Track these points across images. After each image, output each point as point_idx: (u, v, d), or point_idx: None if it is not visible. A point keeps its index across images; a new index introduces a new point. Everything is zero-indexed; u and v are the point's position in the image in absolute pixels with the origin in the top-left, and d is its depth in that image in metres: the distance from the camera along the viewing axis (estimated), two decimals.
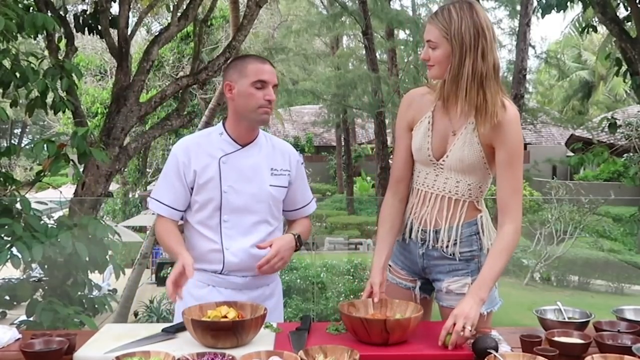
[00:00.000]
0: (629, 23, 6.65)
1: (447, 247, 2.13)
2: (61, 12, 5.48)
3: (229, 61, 2.35)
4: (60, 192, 5.06)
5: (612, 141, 14.19)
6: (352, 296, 7.65)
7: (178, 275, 2.01)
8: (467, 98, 1.99)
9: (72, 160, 3.85)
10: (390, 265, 2.26)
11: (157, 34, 6.02)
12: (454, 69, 1.99)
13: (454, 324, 1.84)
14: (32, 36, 4.32)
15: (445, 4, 2.03)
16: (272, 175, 2.26)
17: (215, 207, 2.19)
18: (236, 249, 2.20)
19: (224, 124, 2.28)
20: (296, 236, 2.28)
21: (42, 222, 3.82)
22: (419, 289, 2.23)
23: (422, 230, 2.15)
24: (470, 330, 1.84)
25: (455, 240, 2.12)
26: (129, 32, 5.59)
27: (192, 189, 2.22)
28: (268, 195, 2.24)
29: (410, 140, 2.17)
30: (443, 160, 2.10)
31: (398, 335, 1.83)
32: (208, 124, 10.54)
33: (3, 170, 4.59)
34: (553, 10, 6.91)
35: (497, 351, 1.72)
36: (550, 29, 64.44)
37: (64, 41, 5.39)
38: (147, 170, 21.14)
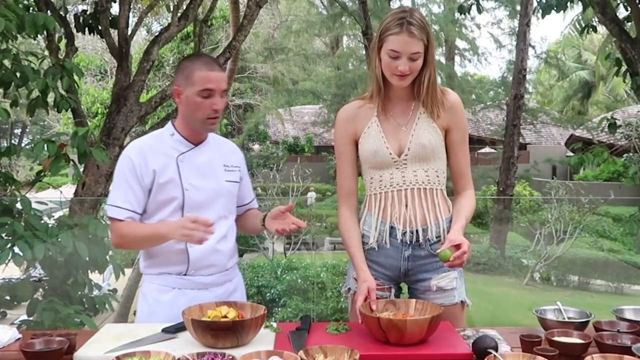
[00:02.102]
0: (629, 23, 6.65)
1: (434, 243, 2.16)
2: (61, 12, 5.48)
3: (179, 62, 2.30)
4: (61, 192, 5.05)
5: (612, 141, 14.22)
6: None
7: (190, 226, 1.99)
8: (429, 92, 2.14)
9: (73, 160, 3.85)
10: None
11: (157, 34, 6.02)
12: (432, 73, 2.13)
13: (456, 247, 1.97)
14: (32, 36, 4.32)
15: (405, 13, 2.08)
16: (226, 171, 2.29)
17: (178, 205, 2.17)
18: (200, 246, 2.15)
19: (173, 124, 2.28)
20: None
21: (42, 222, 3.82)
22: (394, 297, 2.24)
23: (409, 231, 2.17)
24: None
25: (442, 235, 2.17)
26: (129, 32, 5.60)
27: (149, 190, 2.18)
28: (225, 191, 2.27)
29: (353, 153, 2.25)
30: (405, 155, 2.17)
31: (395, 335, 1.82)
32: None
33: (3, 170, 4.59)
34: (553, 11, 6.91)
35: (497, 351, 1.72)
36: (550, 29, 64.56)
37: (64, 41, 5.39)
38: None
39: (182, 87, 2.18)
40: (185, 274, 2.20)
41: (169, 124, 2.30)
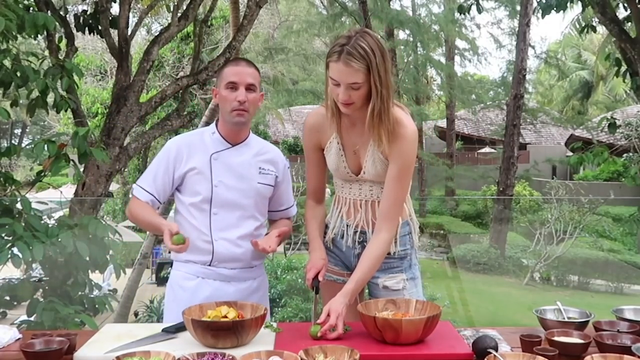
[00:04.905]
0: (629, 23, 6.65)
1: None
2: (61, 12, 5.48)
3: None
4: (61, 192, 5.05)
5: (611, 141, 14.23)
6: None
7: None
8: (375, 123, 2.06)
9: (73, 161, 3.85)
10: None
11: (157, 34, 6.02)
12: (377, 103, 2.03)
13: (327, 318, 1.96)
14: (32, 36, 4.32)
15: (348, 39, 1.98)
16: (260, 173, 2.34)
17: (206, 200, 2.27)
18: (225, 241, 2.26)
19: (216, 123, 2.38)
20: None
21: (42, 222, 3.82)
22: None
23: (360, 232, 2.26)
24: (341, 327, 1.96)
25: (395, 239, 2.23)
26: (129, 32, 5.60)
27: (182, 180, 2.29)
28: (256, 192, 2.32)
29: (319, 158, 2.29)
30: (362, 175, 2.21)
31: (391, 335, 1.83)
32: (208, 124, 10.54)
33: (3, 170, 4.59)
34: (553, 11, 6.91)
35: (497, 351, 1.72)
36: (550, 29, 64.42)
37: (64, 41, 5.39)
38: None
39: (217, 87, 2.31)
40: (209, 265, 2.28)
41: (213, 123, 2.41)
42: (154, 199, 2.30)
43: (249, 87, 2.25)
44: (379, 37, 2.06)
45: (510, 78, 13.94)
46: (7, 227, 3.58)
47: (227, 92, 2.24)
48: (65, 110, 4.48)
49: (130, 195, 2.36)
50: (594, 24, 8.05)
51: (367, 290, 2.37)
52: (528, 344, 1.81)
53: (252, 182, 2.31)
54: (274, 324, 2.03)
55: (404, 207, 2.25)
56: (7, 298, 4.12)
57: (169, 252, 2.27)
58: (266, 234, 2.35)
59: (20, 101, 4.44)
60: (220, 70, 2.35)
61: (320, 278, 2.14)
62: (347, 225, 2.28)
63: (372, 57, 1.98)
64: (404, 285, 2.26)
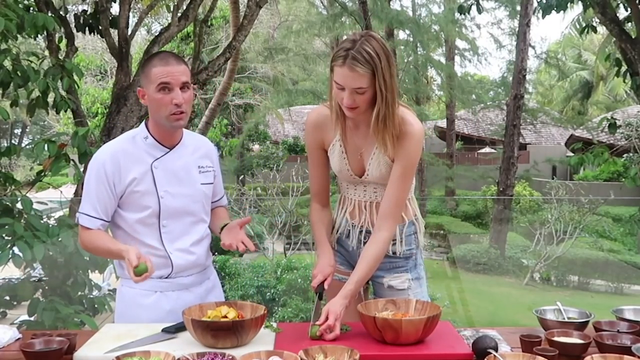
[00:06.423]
0: (629, 23, 6.65)
1: (391, 245, 2.22)
2: (61, 12, 5.49)
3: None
4: (61, 192, 5.05)
5: (612, 141, 14.23)
6: None
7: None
8: (379, 127, 2.05)
9: (73, 160, 3.85)
10: None
11: (157, 34, 6.03)
12: (382, 108, 2.01)
13: (326, 318, 1.94)
14: (32, 36, 4.32)
15: (354, 43, 1.97)
16: (200, 173, 2.23)
17: (153, 213, 2.13)
18: (179, 251, 2.17)
19: (147, 126, 2.18)
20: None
21: (43, 221, 3.82)
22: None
23: (365, 232, 2.25)
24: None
25: (400, 239, 2.24)
26: (129, 32, 5.60)
27: (122, 195, 2.12)
28: (201, 195, 2.22)
29: (322, 157, 2.27)
30: (366, 177, 2.21)
31: (391, 335, 1.83)
32: (208, 124, 10.56)
33: (3, 170, 4.59)
34: (553, 11, 6.91)
35: (497, 351, 1.72)
36: (550, 29, 64.44)
37: (64, 41, 5.40)
38: None
39: (144, 87, 2.12)
40: (167, 277, 2.18)
41: (142, 125, 2.20)
42: (104, 222, 2.13)
43: (183, 86, 2.08)
44: (384, 40, 2.05)
45: (510, 78, 13.93)
46: (7, 227, 3.58)
47: (160, 95, 2.05)
48: (65, 111, 4.48)
49: (77, 223, 2.15)
50: (594, 24, 8.05)
51: (371, 289, 2.37)
52: (528, 344, 1.81)
53: (196, 185, 2.20)
54: (274, 324, 2.03)
55: (409, 206, 2.25)
56: (7, 298, 4.12)
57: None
58: (225, 226, 2.22)
59: (20, 101, 4.44)
60: (145, 67, 2.11)
61: (325, 286, 2.11)
62: (353, 226, 2.28)
63: (378, 62, 1.96)
64: (408, 285, 2.27)
